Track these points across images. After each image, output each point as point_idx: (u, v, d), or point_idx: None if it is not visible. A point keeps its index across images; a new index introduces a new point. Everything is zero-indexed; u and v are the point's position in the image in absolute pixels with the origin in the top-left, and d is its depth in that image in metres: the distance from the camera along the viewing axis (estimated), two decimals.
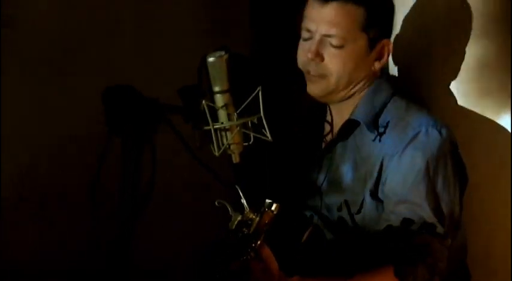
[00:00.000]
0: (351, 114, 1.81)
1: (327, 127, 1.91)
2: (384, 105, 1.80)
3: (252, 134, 1.60)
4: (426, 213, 1.68)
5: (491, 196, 1.82)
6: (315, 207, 1.88)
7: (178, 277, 1.93)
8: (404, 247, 1.66)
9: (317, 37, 1.72)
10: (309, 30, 1.75)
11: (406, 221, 1.67)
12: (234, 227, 1.57)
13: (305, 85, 1.82)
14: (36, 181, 1.78)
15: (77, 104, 1.85)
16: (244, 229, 1.55)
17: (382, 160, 1.74)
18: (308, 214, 1.89)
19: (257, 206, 1.57)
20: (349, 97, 1.82)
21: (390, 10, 1.80)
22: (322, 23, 1.71)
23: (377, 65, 1.79)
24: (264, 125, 1.58)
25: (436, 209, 1.69)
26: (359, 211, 1.78)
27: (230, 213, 1.57)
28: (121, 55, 1.86)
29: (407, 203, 1.69)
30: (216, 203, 1.56)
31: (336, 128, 1.87)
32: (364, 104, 1.80)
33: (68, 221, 1.81)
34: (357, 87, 1.80)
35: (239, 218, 1.56)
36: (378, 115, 1.79)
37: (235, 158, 1.60)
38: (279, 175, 1.97)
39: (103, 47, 1.87)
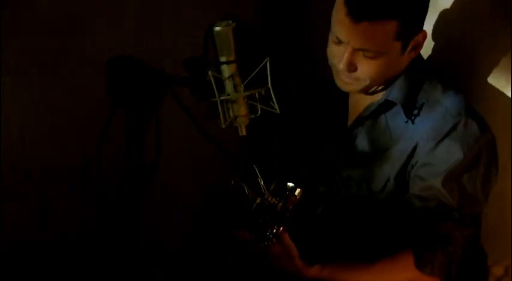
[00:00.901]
0: (386, 95, 1.73)
1: (353, 107, 1.83)
2: (420, 87, 1.72)
3: (259, 106, 1.56)
4: (451, 202, 1.62)
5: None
6: (330, 181, 1.84)
7: (186, 257, 1.89)
8: (426, 233, 1.62)
9: (349, 49, 1.62)
10: (339, 40, 1.64)
11: (430, 207, 1.63)
12: (252, 210, 1.53)
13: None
14: (34, 159, 1.74)
15: (77, 80, 1.79)
16: (264, 214, 1.51)
17: (416, 144, 1.67)
18: (322, 189, 1.85)
19: (268, 184, 1.52)
20: (384, 88, 1.75)
21: (424, 9, 1.67)
22: (354, 38, 1.59)
23: (412, 54, 1.70)
24: (272, 97, 1.53)
25: (463, 200, 1.63)
26: (381, 191, 1.73)
27: (247, 193, 1.52)
28: (125, 25, 1.80)
29: (433, 190, 1.64)
30: (232, 183, 1.51)
31: (361, 108, 1.80)
32: (401, 85, 1.71)
33: (68, 200, 1.77)
34: (392, 79, 1.73)
35: (258, 200, 1.52)
36: (413, 96, 1.71)
37: (242, 131, 1.57)
38: (289, 149, 1.92)
39: (106, 15, 1.81)
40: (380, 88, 1.74)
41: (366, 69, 1.63)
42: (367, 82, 1.67)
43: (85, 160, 1.74)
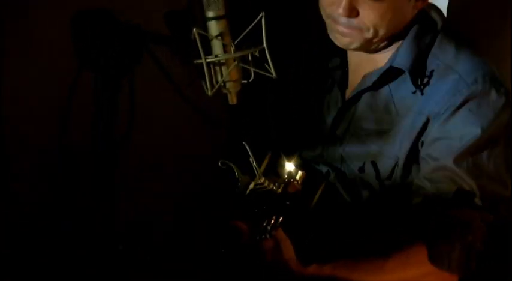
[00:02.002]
0: (390, 61, 1.54)
1: (353, 74, 1.63)
2: (429, 50, 1.52)
3: (252, 70, 1.38)
4: (468, 185, 1.42)
5: None
6: (332, 161, 1.63)
7: (164, 227, 1.70)
8: (441, 222, 1.41)
9: None
10: None
11: (444, 191, 1.42)
12: (244, 196, 1.33)
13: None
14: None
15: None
16: (260, 202, 1.31)
17: (427, 118, 1.48)
18: (324, 169, 1.63)
19: (259, 161, 1.31)
20: (387, 46, 1.55)
21: None
22: None
23: (420, 4, 1.50)
24: (267, 59, 1.35)
25: (482, 182, 1.43)
26: (389, 177, 1.53)
27: (237, 176, 1.31)
28: None
29: (447, 171, 1.43)
30: (220, 164, 1.31)
31: (359, 75, 1.60)
32: (407, 49, 1.52)
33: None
34: (396, 34, 1.53)
35: (252, 185, 1.31)
36: (422, 61, 1.51)
37: (232, 99, 1.39)
38: (286, 120, 1.71)
39: None
40: (382, 45, 1.54)
41: (369, 14, 1.45)
42: (369, 33, 1.48)
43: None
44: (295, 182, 1.32)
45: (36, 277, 1.51)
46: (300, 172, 1.33)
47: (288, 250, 1.39)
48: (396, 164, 1.51)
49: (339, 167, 1.60)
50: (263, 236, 1.30)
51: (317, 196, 1.33)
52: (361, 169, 1.56)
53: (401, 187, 1.51)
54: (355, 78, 1.61)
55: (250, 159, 1.30)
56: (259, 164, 1.32)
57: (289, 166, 1.33)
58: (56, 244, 1.53)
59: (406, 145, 1.50)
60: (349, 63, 1.63)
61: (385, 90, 1.56)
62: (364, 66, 1.59)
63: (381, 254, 1.42)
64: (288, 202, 1.30)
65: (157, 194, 1.62)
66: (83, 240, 1.50)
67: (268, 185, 1.32)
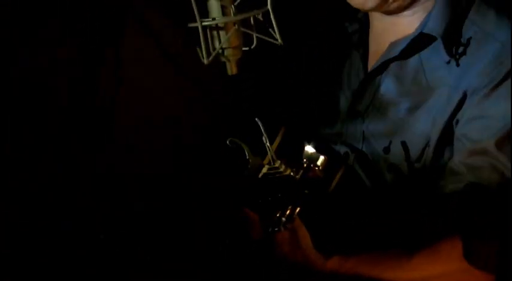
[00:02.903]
0: (421, 27, 1.37)
1: (376, 42, 1.46)
2: (465, 15, 1.35)
3: (255, 35, 1.21)
4: (510, 171, 1.25)
5: None
6: (352, 140, 1.46)
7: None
8: (478, 214, 1.25)
9: None
10: None
11: (483, 178, 1.26)
12: (256, 182, 1.16)
13: None
14: None
15: None
16: (274, 189, 1.14)
17: (464, 93, 1.31)
18: (342, 150, 1.47)
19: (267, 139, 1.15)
20: (412, 5, 1.38)
21: None
22: None
23: None
24: (272, 23, 1.19)
25: None
26: (418, 160, 1.36)
27: (247, 157, 1.14)
28: None
29: (486, 156, 1.26)
30: (228, 143, 1.14)
31: (383, 44, 1.43)
32: (440, 13, 1.35)
33: None
34: None
35: (265, 169, 1.14)
36: (457, 28, 1.34)
37: (231, 68, 1.22)
38: (300, 93, 1.53)
39: None
40: (405, 6, 1.37)
41: None
42: None
43: None
44: (316, 168, 1.15)
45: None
46: (321, 157, 1.16)
47: (306, 241, 1.24)
48: (427, 144, 1.35)
49: (359, 148, 1.43)
50: (276, 229, 1.14)
51: (335, 181, 1.17)
52: (387, 149, 1.39)
53: (432, 170, 1.34)
54: (378, 47, 1.44)
55: (263, 138, 1.13)
56: (271, 142, 1.16)
57: (309, 149, 1.17)
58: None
59: (439, 123, 1.33)
60: (371, 30, 1.46)
61: (414, 60, 1.39)
62: (389, 33, 1.41)
63: (409, 248, 1.26)
64: (306, 191, 1.13)
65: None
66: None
67: (285, 170, 1.16)
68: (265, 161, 1.16)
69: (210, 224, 1.26)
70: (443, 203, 1.28)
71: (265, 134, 1.13)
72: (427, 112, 1.35)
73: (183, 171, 1.34)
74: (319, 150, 1.16)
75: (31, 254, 1.39)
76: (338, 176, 1.18)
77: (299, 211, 1.15)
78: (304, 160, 1.17)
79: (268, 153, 1.14)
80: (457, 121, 1.32)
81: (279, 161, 1.15)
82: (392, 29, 1.41)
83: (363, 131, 1.43)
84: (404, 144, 1.36)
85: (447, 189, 1.29)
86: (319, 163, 1.17)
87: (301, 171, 1.15)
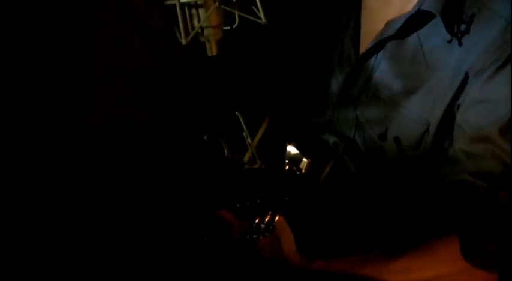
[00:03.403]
0: (419, 4, 1.26)
1: (369, 22, 1.36)
2: None
3: (237, 13, 1.11)
4: None
5: None
6: (343, 128, 1.36)
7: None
8: (477, 208, 1.15)
9: None
10: None
11: (483, 169, 1.15)
12: (234, 183, 1.06)
13: None
14: None
15: None
16: (253, 192, 1.04)
17: (466, 74, 1.20)
18: (331, 140, 1.37)
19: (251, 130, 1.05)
20: None
21: None
22: None
23: None
24: (255, 1, 1.08)
25: None
26: (416, 147, 1.26)
27: (226, 154, 1.04)
28: None
29: (488, 143, 1.16)
30: (205, 138, 1.04)
31: (377, 24, 1.33)
32: None
33: None
34: None
35: (246, 166, 1.05)
36: (459, 4, 1.23)
37: (211, 49, 1.12)
38: (286, 77, 1.43)
39: None
40: None
41: None
42: None
43: None
44: (298, 170, 1.05)
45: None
46: (304, 160, 1.06)
47: (289, 246, 1.14)
48: (427, 130, 1.24)
49: (351, 137, 1.34)
50: (255, 236, 1.05)
51: (322, 178, 1.07)
52: (383, 136, 1.29)
53: (431, 159, 1.25)
54: (372, 27, 1.34)
55: (244, 134, 1.03)
56: (253, 135, 1.06)
57: (292, 149, 1.06)
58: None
59: (440, 108, 1.23)
60: (363, 10, 1.36)
61: (413, 40, 1.28)
62: (383, 12, 1.31)
63: (403, 250, 1.15)
64: (286, 198, 1.03)
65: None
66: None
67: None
68: (246, 159, 1.06)
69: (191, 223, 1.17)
70: (440, 196, 1.19)
71: (246, 130, 1.03)
72: (426, 96, 1.25)
73: (161, 165, 1.26)
74: (303, 150, 1.05)
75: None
76: (327, 171, 1.07)
77: (278, 219, 1.05)
78: (286, 162, 1.07)
79: (249, 150, 1.04)
80: (458, 106, 1.22)
81: (259, 162, 1.05)
82: (387, 8, 1.30)
83: (356, 118, 1.33)
84: (400, 130, 1.27)
85: (445, 179, 1.19)
86: (301, 165, 1.07)
87: (282, 173, 1.05)
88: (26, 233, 1.30)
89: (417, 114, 1.25)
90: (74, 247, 1.28)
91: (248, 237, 1.05)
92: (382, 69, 1.31)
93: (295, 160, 1.06)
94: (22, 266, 1.30)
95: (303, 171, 1.06)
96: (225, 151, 1.06)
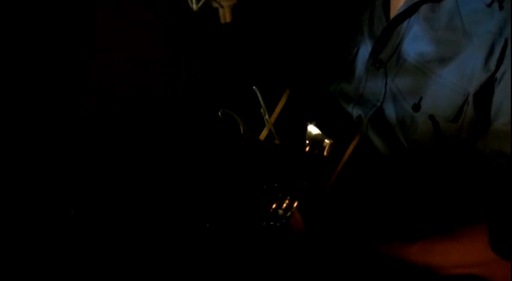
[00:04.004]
0: None
1: None
2: None
3: None
4: None
5: None
6: (371, 97, 1.28)
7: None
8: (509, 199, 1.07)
9: None
10: None
11: None
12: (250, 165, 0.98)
13: None
14: None
15: None
16: (271, 175, 0.96)
17: (506, 41, 1.11)
18: (355, 113, 1.28)
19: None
20: None
21: None
22: None
23: None
24: None
25: None
26: (455, 119, 1.17)
27: (242, 132, 0.95)
28: None
29: None
30: (219, 115, 0.95)
31: None
32: None
33: None
34: None
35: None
36: None
37: (225, 16, 1.03)
38: (308, 43, 1.34)
39: None
40: None
41: None
42: None
43: None
44: (321, 153, 0.96)
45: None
46: (326, 141, 0.97)
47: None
48: (466, 101, 1.15)
49: (377, 109, 1.25)
50: (272, 223, 0.96)
51: (347, 154, 0.98)
52: (417, 107, 1.19)
53: (472, 134, 1.16)
54: None
55: (262, 110, 0.93)
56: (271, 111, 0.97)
57: (313, 129, 0.97)
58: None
59: (480, 77, 1.13)
60: None
61: (449, 2, 1.19)
62: None
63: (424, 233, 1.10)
64: (305, 183, 0.94)
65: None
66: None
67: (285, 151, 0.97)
68: (263, 137, 0.97)
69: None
70: (474, 186, 1.10)
71: (263, 105, 0.93)
72: (463, 63, 1.16)
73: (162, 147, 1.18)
74: (324, 130, 0.95)
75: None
76: (351, 148, 0.98)
77: (296, 205, 0.96)
78: (307, 142, 0.97)
79: (266, 127, 0.94)
80: (496, 79, 1.12)
81: (278, 140, 0.96)
82: None
83: (386, 85, 1.24)
84: (437, 100, 1.18)
85: (485, 154, 1.11)
86: (324, 144, 0.97)
87: (303, 156, 0.96)
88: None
89: (454, 83, 1.16)
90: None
91: (264, 224, 0.97)
92: (415, 33, 1.22)
93: (316, 141, 0.97)
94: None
95: (325, 154, 0.96)
96: (241, 128, 0.97)
